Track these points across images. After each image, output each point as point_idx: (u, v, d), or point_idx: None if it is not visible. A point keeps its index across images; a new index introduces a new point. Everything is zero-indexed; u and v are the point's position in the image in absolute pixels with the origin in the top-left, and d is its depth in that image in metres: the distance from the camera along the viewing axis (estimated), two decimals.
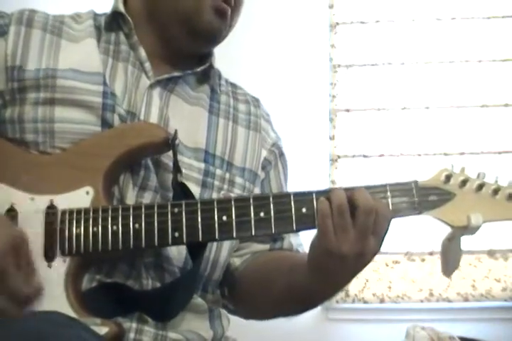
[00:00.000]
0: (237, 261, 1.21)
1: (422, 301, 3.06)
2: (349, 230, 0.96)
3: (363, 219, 0.96)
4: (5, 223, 0.99)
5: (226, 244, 1.16)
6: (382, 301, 3.06)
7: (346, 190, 0.99)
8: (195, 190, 1.11)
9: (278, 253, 1.22)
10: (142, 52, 1.17)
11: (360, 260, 0.98)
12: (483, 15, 3.27)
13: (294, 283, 1.07)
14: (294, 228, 1.00)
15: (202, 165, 1.14)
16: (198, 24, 1.15)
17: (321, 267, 1.01)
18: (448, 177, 1.02)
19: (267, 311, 1.20)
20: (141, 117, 1.11)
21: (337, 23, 3.36)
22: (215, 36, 1.18)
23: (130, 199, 1.07)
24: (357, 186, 1.00)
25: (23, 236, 0.96)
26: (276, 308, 1.17)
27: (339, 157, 3.23)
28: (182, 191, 1.07)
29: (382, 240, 0.99)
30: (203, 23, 1.15)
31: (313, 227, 1.00)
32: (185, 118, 1.17)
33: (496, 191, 1.01)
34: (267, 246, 1.22)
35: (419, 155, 3.17)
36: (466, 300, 3.03)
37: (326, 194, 1.00)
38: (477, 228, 0.99)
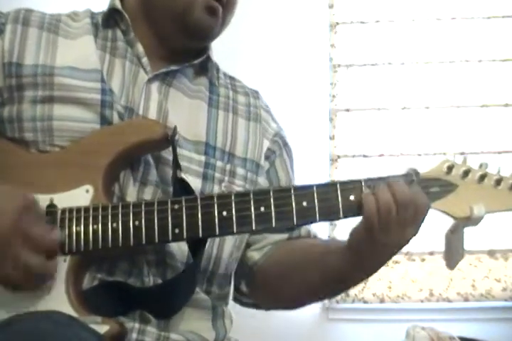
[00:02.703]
0: (255, 255, 1.22)
1: (422, 301, 3.05)
2: (392, 224, 0.98)
3: (402, 213, 0.98)
4: (9, 188, 0.99)
5: (229, 239, 1.16)
6: (382, 301, 3.06)
7: (371, 180, 1.01)
8: (196, 182, 1.11)
9: (303, 242, 1.23)
10: (140, 48, 1.17)
11: (399, 246, 1.02)
12: (483, 15, 3.26)
13: (327, 269, 1.09)
14: (295, 222, 1.01)
15: (202, 158, 1.15)
16: (189, 21, 1.17)
17: (361, 253, 1.03)
18: (450, 168, 1.02)
19: (297, 299, 1.21)
20: (140, 112, 1.12)
21: (337, 23, 3.36)
22: (207, 34, 1.20)
23: (131, 194, 1.07)
24: (359, 180, 1.02)
25: (28, 196, 0.97)
26: (309, 295, 1.19)
27: (339, 157, 3.22)
28: (182, 187, 1.07)
29: (420, 226, 1.01)
30: (194, 21, 1.16)
31: (314, 221, 1.01)
32: (185, 111, 1.17)
33: (498, 181, 1.01)
34: (285, 236, 1.23)
35: (419, 155, 3.17)
36: (466, 300, 3.03)
37: (326, 187, 1.02)
38: (480, 219, 0.99)
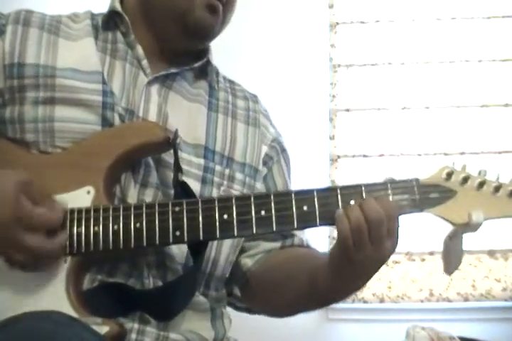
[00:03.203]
0: (249, 262, 1.22)
1: (422, 301, 3.05)
2: (366, 242, 0.98)
3: (376, 230, 0.97)
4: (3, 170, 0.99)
5: (227, 242, 1.16)
6: (382, 301, 3.06)
7: (370, 186, 1.01)
8: (195, 186, 1.12)
9: (294, 251, 1.23)
10: (139, 50, 1.17)
11: (380, 262, 1.02)
12: (483, 15, 3.26)
13: (317, 283, 1.08)
14: (295, 226, 1.01)
15: (201, 161, 1.15)
16: (190, 21, 1.16)
17: (343, 275, 1.03)
18: (449, 175, 1.02)
19: (286, 308, 1.21)
20: (140, 114, 1.12)
21: (337, 23, 3.36)
22: (208, 32, 1.20)
23: (132, 196, 1.08)
24: (359, 185, 1.02)
25: (25, 174, 0.97)
26: (297, 306, 1.18)
27: (339, 157, 3.23)
28: (183, 190, 1.08)
29: (397, 238, 1.00)
30: (195, 20, 1.16)
31: (314, 225, 1.01)
32: (184, 114, 1.17)
33: (497, 188, 1.01)
34: (278, 244, 1.23)
35: (419, 155, 3.17)
36: (466, 300, 3.03)
37: (326, 192, 1.01)
38: (478, 225, 1.00)
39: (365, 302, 3.06)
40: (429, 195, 1.02)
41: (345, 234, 0.98)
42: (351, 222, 0.98)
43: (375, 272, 1.04)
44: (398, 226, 1.00)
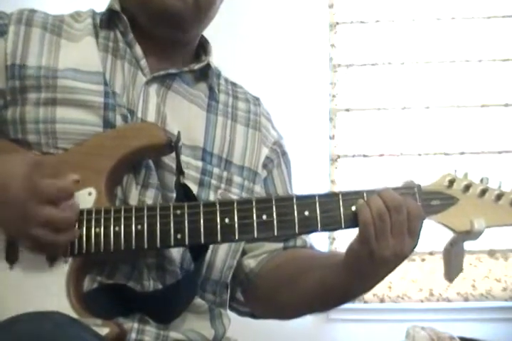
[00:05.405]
0: (251, 263, 1.21)
1: (422, 301, 3.05)
2: (388, 233, 0.97)
3: (395, 217, 0.97)
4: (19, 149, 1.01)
5: (223, 245, 1.16)
6: (382, 301, 3.06)
7: (372, 192, 1.01)
8: (193, 188, 1.11)
9: (300, 252, 1.22)
10: (138, 50, 1.16)
11: (398, 260, 1.00)
12: (483, 15, 3.26)
13: (327, 283, 1.08)
14: (297, 231, 1.01)
15: (199, 164, 1.14)
16: (153, 7, 1.13)
17: (360, 271, 1.02)
18: (451, 182, 1.02)
19: (292, 309, 1.20)
20: (139, 114, 1.11)
21: (337, 23, 3.36)
22: (176, 16, 1.14)
23: (133, 197, 1.07)
24: (361, 191, 1.02)
25: (35, 155, 0.99)
26: (304, 306, 1.18)
27: (339, 157, 3.23)
28: (184, 193, 1.07)
29: (418, 238, 1.00)
30: (157, 4, 1.13)
31: (315, 230, 1.01)
32: (183, 114, 1.17)
33: (499, 196, 1.01)
34: (280, 245, 1.22)
35: (419, 155, 3.17)
36: (466, 300, 3.03)
37: (328, 197, 1.01)
38: (480, 233, 1.00)
39: (365, 302, 3.06)
40: (430, 202, 1.02)
41: (368, 221, 0.97)
42: (372, 210, 0.97)
43: (395, 268, 1.02)
44: (421, 227, 0.99)
